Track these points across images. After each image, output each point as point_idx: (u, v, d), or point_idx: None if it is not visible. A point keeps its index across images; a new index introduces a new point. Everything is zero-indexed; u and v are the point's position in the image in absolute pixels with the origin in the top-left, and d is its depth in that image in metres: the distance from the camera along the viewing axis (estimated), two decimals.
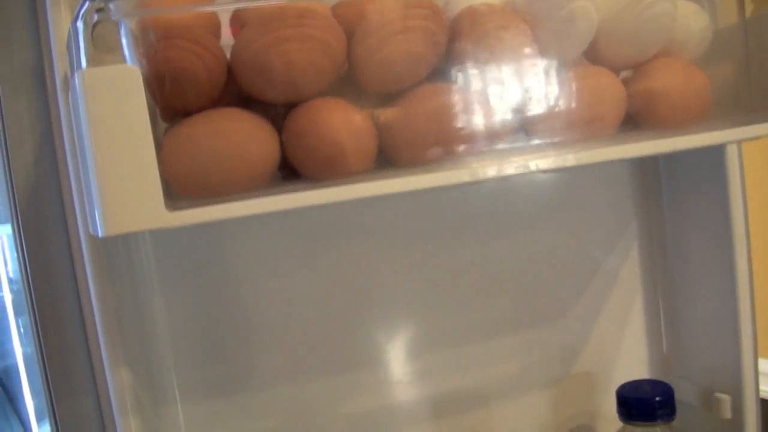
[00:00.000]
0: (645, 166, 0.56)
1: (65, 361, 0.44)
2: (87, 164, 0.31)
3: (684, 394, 0.55)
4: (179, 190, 0.33)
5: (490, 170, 0.34)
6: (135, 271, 0.46)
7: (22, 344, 0.62)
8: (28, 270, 0.43)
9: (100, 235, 0.31)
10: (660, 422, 0.50)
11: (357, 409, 0.52)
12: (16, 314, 0.63)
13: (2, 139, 0.41)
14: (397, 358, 0.52)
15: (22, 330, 0.63)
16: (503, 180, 0.53)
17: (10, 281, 0.64)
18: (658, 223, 0.57)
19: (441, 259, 0.53)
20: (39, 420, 0.60)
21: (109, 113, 0.30)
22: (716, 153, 0.48)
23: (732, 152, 0.48)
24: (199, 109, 0.34)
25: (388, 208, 0.51)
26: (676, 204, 0.56)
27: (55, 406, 0.44)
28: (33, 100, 0.41)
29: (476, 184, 0.52)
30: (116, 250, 0.44)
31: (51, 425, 0.45)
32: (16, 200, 0.42)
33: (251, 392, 0.50)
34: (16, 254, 0.45)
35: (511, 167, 0.35)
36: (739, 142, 0.40)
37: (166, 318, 0.47)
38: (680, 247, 0.56)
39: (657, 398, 0.50)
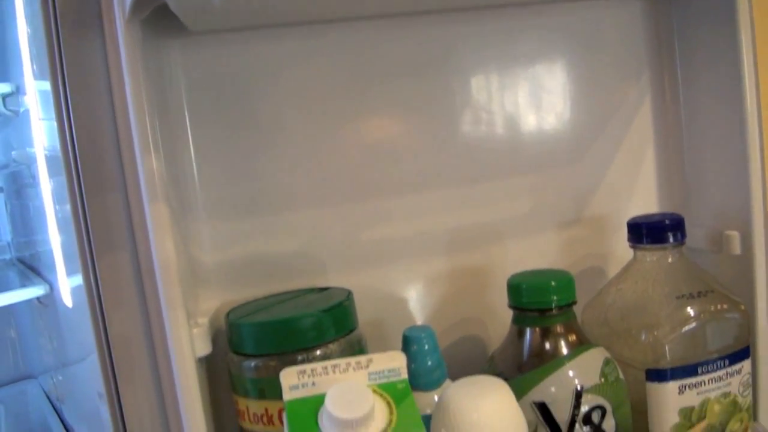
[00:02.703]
0: (658, 14, 0.58)
1: (96, 155, 0.46)
2: None
3: (695, 240, 0.57)
4: None
5: None
6: (165, 89, 0.49)
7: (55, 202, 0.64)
8: (65, 75, 0.45)
9: None
10: (669, 245, 0.51)
11: (374, 237, 0.53)
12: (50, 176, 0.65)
13: None
14: (416, 190, 0.54)
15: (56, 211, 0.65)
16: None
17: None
18: (670, 72, 0.58)
19: (464, 96, 0.54)
20: (70, 275, 0.63)
21: None
22: None
23: None
24: None
25: (410, 43, 0.53)
26: (687, 53, 0.57)
27: (85, 204, 0.46)
28: None
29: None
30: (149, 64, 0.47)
31: (78, 223, 0.47)
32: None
33: (274, 214, 0.51)
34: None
35: None
36: None
37: (192, 137, 0.50)
38: (691, 94, 0.57)
39: (666, 221, 0.51)
